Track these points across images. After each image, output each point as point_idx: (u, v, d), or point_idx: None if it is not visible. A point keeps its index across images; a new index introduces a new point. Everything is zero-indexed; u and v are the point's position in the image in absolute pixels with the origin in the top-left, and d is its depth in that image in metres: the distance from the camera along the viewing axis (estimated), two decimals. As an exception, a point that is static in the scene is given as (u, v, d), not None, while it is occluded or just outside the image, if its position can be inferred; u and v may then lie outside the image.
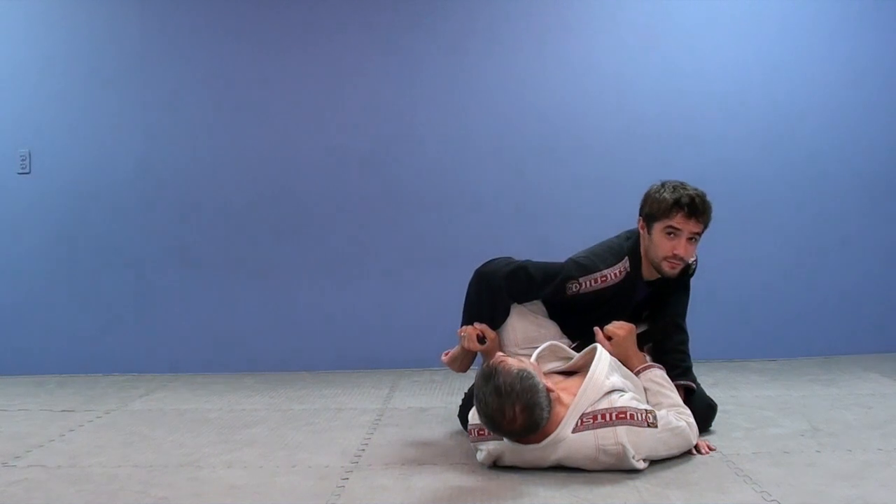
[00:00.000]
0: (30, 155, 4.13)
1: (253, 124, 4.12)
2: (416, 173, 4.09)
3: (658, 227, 2.46)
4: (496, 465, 2.23)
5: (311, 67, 4.12)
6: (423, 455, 2.43)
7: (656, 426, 2.15)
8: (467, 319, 2.59)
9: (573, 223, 3.97)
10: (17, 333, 4.13)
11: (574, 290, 2.50)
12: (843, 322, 4.02)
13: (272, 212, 4.12)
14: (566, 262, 2.56)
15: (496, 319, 2.57)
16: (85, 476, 2.27)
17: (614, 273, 2.51)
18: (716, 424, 2.62)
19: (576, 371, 2.37)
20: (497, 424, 2.07)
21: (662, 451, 2.21)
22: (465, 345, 2.57)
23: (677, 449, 2.25)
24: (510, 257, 2.61)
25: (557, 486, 2.06)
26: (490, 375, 2.08)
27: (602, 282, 2.50)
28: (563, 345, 2.48)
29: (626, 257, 2.54)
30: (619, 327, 2.45)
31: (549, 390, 2.09)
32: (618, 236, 2.66)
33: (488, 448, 2.21)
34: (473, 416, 2.27)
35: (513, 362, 2.12)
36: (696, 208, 2.42)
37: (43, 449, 2.59)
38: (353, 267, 4.09)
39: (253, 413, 3.11)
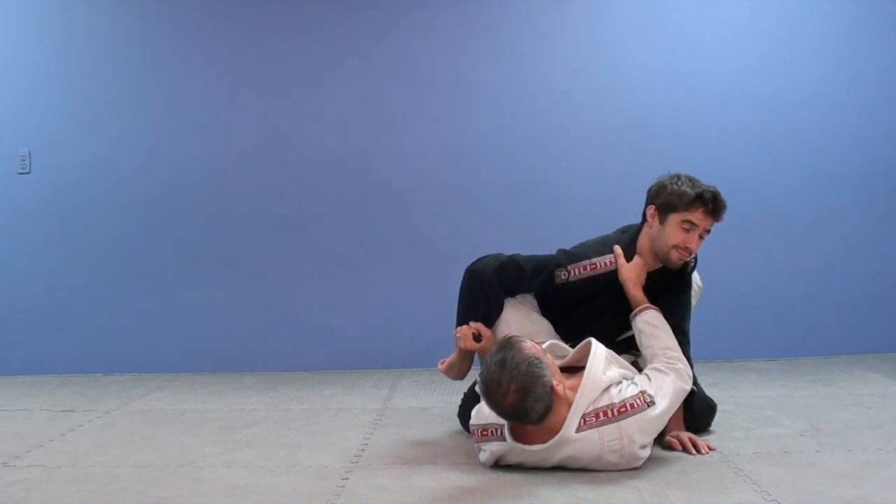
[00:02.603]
0: (30, 155, 4.13)
1: (252, 124, 4.13)
2: (417, 173, 4.09)
3: (675, 218, 2.43)
4: (498, 464, 2.22)
5: (311, 67, 4.12)
6: (423, 455, 2.43)
7: (655, 403, 2.16)
8: (462, 319, 2.59)
9: (574, 223, 3.91)
10: (17, 333, 4.13)
11: (563, 278, 2.50)
12: (843, 322, 4.03)
13: (272, 212, 4.12)
14: (556, 252, 2.57)
15: (490, 316, 2.56)
16: (85, 476, 2.27)
17: (604, 262, 2.51)
18: (716, 424, 2.62)
19: (576, 368, 2.36)
20: (489, 393, 2.07)
21: (667, 419, 2.25)
22: (462, 345, 2.55)
23: (678, 403, 2.29)
24: (500, 253, 2.61)
25: (557, 486, 2.06)
26: (504, 346, 2.09)
27: (591, 269, 2.49)
28: (562, 343, 2.48)
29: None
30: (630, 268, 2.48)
31: (554, 391, 2.07)
32: (613, 232, 2.66)
33: (491, 448, 2.21)
34: (475, 417, 2.26)
35: (531, 346, 2.12)
36: (717, 206, 2.41)
37: (43, 449, 2.59)
38: (354, 267, 4.09)
39: (253, 413, 3.11)
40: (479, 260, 2.61)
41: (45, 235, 4.14)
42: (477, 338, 2.53)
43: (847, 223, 4.04)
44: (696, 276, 2.75)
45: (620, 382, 2.19)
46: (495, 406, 2.08)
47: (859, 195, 4.04)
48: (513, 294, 2.58)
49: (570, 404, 2.12)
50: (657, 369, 2.28)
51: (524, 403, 2.03)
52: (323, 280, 4.10)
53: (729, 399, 3.05)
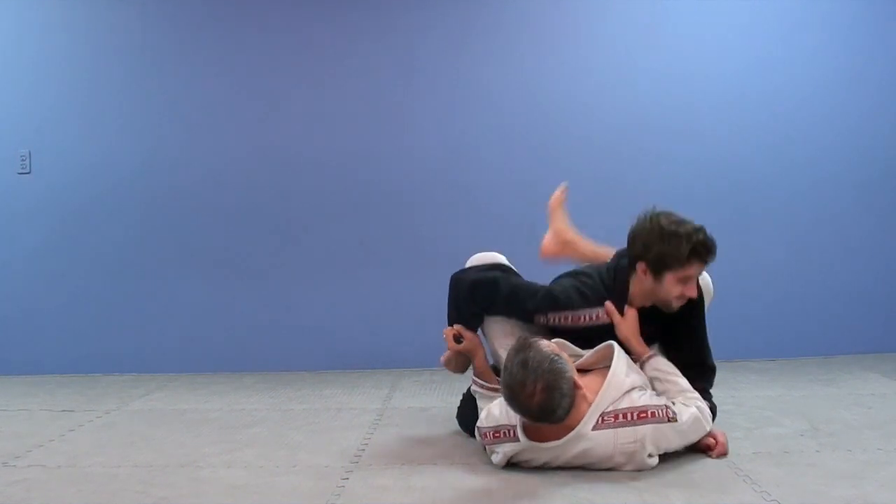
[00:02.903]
0: (30, 155, 4.13)
1: (252, 124, 4.12)
2: (417, 173, 4.09)
3: (672, 276, 2.31)
4: (509, 462, 2.22)
5: (311, 67, 4.12)
6: (423, 455, 2.43)
7: (677, 420, 2.16)
8: (449, 320, 2.60)
9: (574, 223, 3.94)
10: (16, 333, 4.13)
11: (541, 322, 2.44)
12: (843, 322, 4.02)
13: (272, 212, 4.12)
14: (544, 290, 2.45)
15: (470, 322, 2.56)
16: (85, 476, 2.27)
17: (589, 316, 2.41)
18: (716, 424, 2.60)
19: (588, 369, 2.34)
20: (515, 395, 2.05)
21: (680, 443, 2.22)
22: (449, 346, 2.58)
23: (695, 437, 2.25)
24: (493, 263, 2.59)
25: (557, 486, 2.06)
26: (522, 348, 2.08)
27: (574, 321, 2.41)
28: (568, 343, 2.46)
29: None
30: (627, 324, 2.39)
31: (577, 386, 2.07)
32: (607, 269, 2.50)
33: (504, 450, 2.20)
34: (485, 420, 2.26)
35: (548, 344, 2.12)
36: (712, 254, 2.32)
37: (43, 449, 2.59)
38: (354, 267, 4.09)
39: (253, 413, 3.11)
40: (464, 270, 2.60)
41: (45, 235, 4.14)
42: (458, 339, 2.55)
43: (847, 223, 4.04)
44: (707, 282, 2.71)
45: (644, 388, 2.19)
46: (521, 407, 2.07)
47: (859, 195, 4.04)
48: (488, 313, 2.54)
49: (588, 402, 2.11)
50: (682, 402, 2.26)
51: (551, 401, 2.02)
52: (323, 280, 4.10)
53: (729, 399, 3.04)
